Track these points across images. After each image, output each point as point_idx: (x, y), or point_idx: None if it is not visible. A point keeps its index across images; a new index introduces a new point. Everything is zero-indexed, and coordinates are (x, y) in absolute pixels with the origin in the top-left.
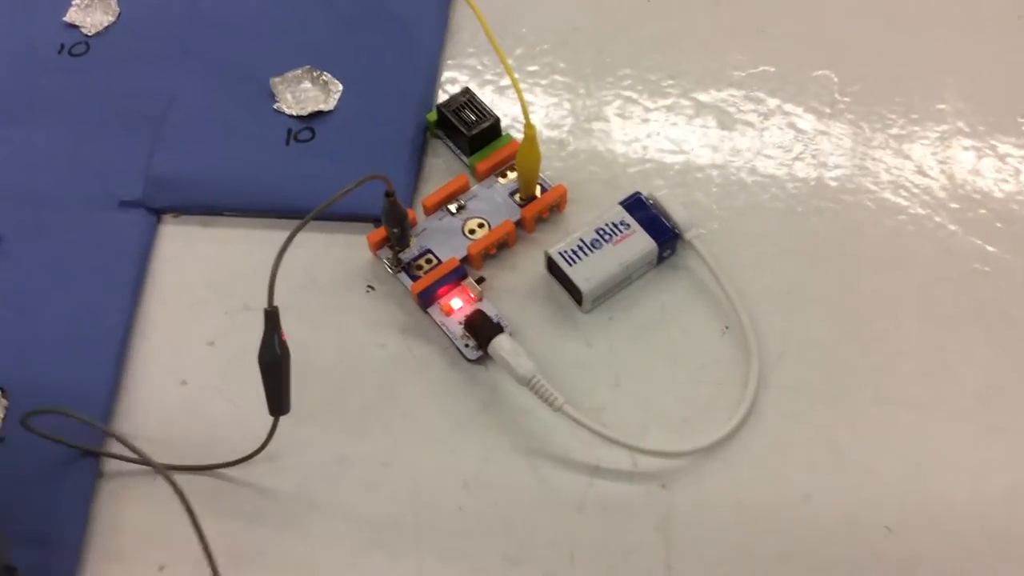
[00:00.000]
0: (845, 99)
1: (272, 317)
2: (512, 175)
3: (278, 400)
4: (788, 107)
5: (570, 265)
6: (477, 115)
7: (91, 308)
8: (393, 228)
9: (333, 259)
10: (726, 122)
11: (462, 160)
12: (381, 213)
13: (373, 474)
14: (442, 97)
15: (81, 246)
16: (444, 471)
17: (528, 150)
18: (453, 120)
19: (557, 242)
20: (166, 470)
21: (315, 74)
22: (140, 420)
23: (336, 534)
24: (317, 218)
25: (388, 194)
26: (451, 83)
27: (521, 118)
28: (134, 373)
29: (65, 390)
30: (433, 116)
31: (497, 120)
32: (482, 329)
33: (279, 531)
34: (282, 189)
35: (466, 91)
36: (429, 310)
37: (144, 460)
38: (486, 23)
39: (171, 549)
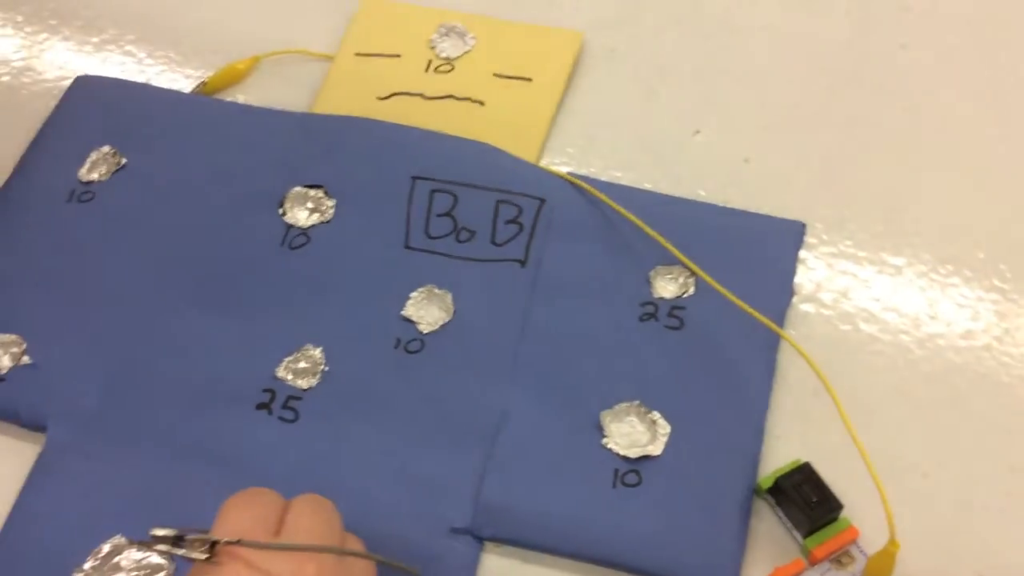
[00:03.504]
0: None
1: None
2: (848, 565)
3: None
4: None
5: None
6: (819, 497)
7: None
8: None
9: None
10: None
11: (792, 535)
12: None
13: None
14: (769, 458)
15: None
16: None
17: (884, 563)
18: (793, 498)
19: None
20: None
21: (643, 411)
22: None
23: None
24: (634, 572)
25: None
26: (775, 440)
27: (858, 499)
28: None
29: None
30: (768, 482)
31: (840, 507)
32: None
33: None
34: (608, 537)
35: (806, 466)
36: None
37: None
38: (843, 410)
39: None
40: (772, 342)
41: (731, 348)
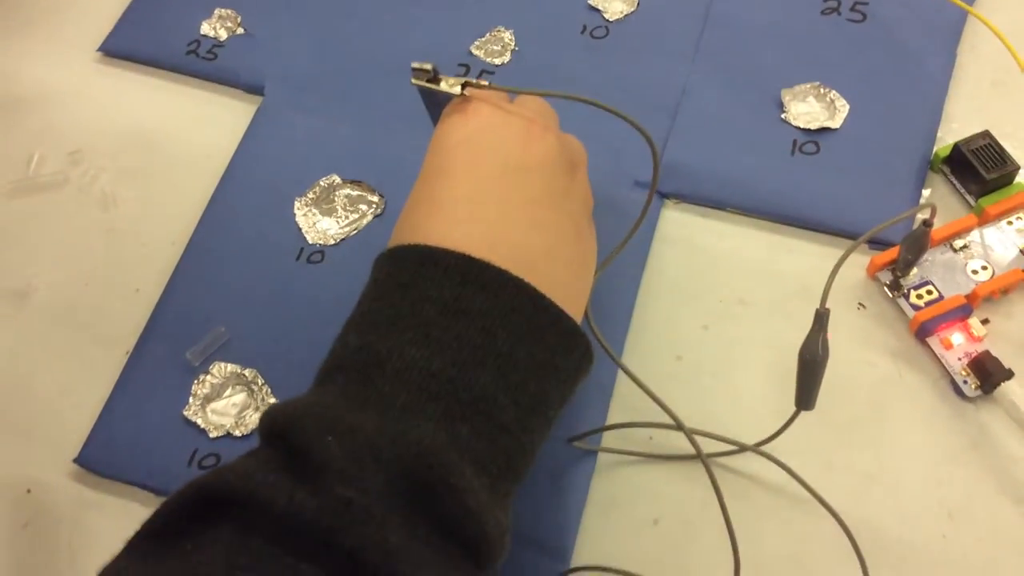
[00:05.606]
0: None
1: (822, 318)
2: (1019, 222)
3: (808, 396)
4: None
5: None
6: (997, 160)
7: (611, 277)
8: (910, 256)
9: (825, 271)
10: None
11: (965, 199)
12: (905, 239)
13: (858, 484)
14: (947, 137)
15: (598, 216)
16: (929, 497)
17: None
18: (971, 160)
19: None
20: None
21: (822, 91)
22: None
23: (820, 532)
24: (807, 228)
25: (927, 223)
26: (950, 120)
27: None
28: (632, 341)
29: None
30: (945, 151)
31: (1018, 168)
32: (993, 372)
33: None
34: (785, 196)
35: (987, 134)
36: (928, 340)
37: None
38: None
39: (663, 505)
40: (954, 33)
41: (913, 38)
